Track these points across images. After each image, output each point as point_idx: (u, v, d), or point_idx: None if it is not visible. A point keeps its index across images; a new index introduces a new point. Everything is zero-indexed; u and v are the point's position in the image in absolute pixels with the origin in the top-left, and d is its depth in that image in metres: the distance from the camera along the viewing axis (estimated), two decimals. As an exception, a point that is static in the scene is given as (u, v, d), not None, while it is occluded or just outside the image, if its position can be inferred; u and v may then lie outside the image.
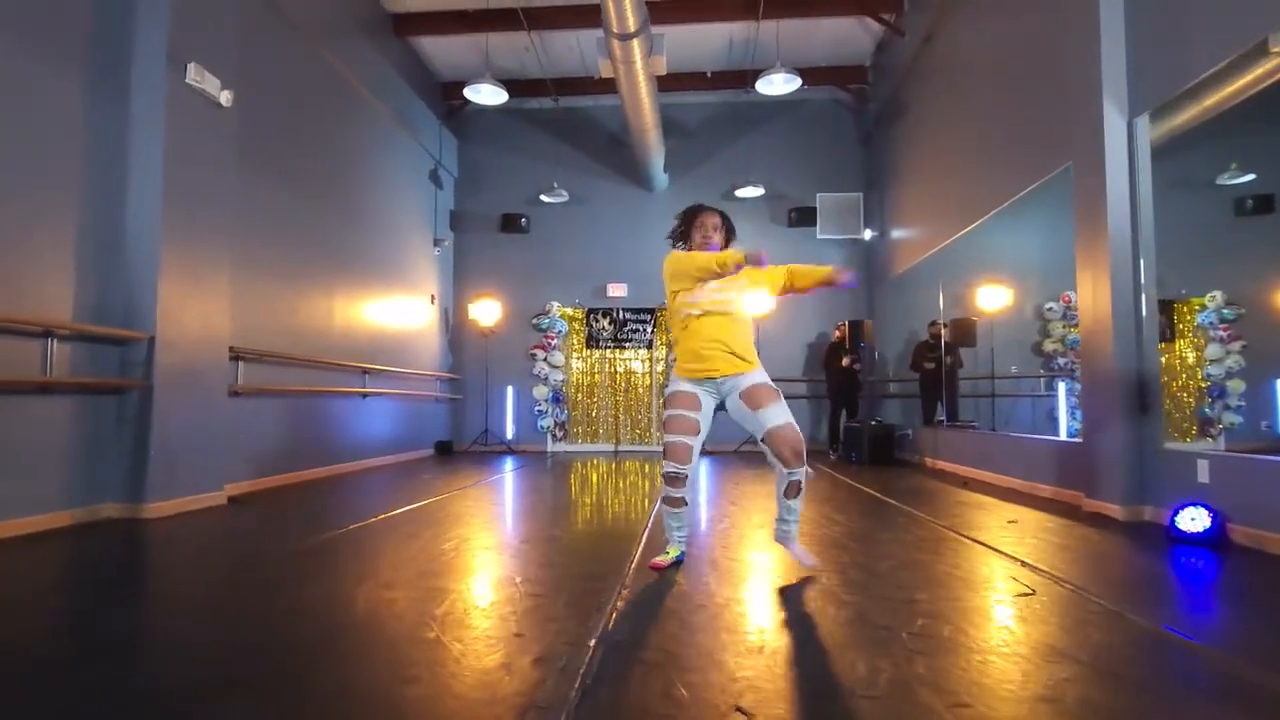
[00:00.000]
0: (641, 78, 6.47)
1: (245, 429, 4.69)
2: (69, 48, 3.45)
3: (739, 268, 2.36)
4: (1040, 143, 4.59)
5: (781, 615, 1.99)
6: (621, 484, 5.40)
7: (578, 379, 9.14)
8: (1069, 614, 1.97)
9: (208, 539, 3.21)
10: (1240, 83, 3.30)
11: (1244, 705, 1.42)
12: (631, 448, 8.90)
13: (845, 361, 7.68)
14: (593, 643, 1.71)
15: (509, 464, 7.05)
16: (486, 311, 8.88)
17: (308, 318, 5.58)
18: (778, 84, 6.81)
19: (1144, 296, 3.72)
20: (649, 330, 9.07)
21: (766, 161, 8.98)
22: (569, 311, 9.13)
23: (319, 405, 5.77)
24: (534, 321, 9.05)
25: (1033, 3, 4.73)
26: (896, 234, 7.96)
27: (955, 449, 6.15)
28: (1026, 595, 2.16)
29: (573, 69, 8.51)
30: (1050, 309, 6.15)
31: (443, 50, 8.15)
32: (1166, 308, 5.30)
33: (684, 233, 2.63)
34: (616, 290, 9.08)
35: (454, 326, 9.08)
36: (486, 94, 7.08)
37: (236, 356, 4.57)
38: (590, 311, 9.12)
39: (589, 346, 9.13)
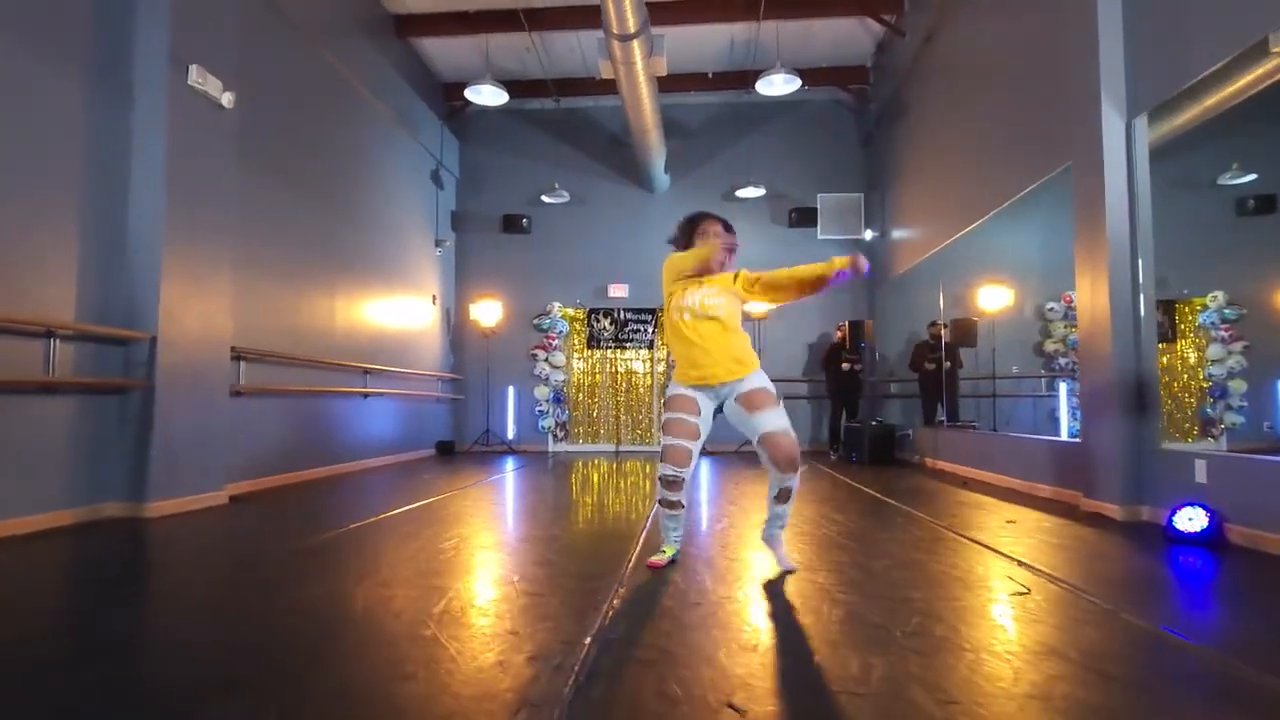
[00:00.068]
0: (642, 79, 6.49)
1: (246, 429, 4.71)
2: (72, 50, 3.48)
3: (722, 266, 2.42)
4: (1040, 143, 4.59)
5: (776, 614, 2.00)
6: (622, 484, 5.41)
7: (579, 379, 9.16)
8: (1063, 613, 1.98)
9: (208, 538, 3.23)
10: (1241, 83, 3.31)
11: (1235, 704, 1.43)
12: (632, 448, 8.91)
13: (845, 365, 7.69)
14: (588, 640, 1.73)
15: (510, 464, 7.06)
16: (488, 312, 8.90)
17: (309, 318, 5.61)
18: (778, 84, 6.82)
19: (1142, 297, 3.72)
20: (650, 330, 9.08)
21: (767, 162, 8.99)
22: (570, 312, 9.14)
23: (320, 405, 5.79)
24: (535, 322, 9.07)
25: (1033, 3, 4.73)
26: (897, 234, 7.96)
27: (955, 449, 6.15)
28: (1021, 594, 2.17)
29: (574, 70, 8.53)
30: (1051, 309, 6.15)
31: (444, 51, 8.17)
32: (1168, 308, 5.31)
33: (686, 241, 2.60)
34: (617, 291, 9.10)
35: (455, 327, 9.11)
36: (487, 95, 7.11)
37: (238, 356, 4.59)
38: (591, 312, 9.14)
39: (590, 347, 9.14)
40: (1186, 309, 5.36)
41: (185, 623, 2.00)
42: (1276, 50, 3.02)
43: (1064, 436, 5.38)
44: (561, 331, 9.02)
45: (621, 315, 9.11)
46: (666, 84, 7.57)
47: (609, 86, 7.19)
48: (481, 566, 2.60)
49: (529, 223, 9.10)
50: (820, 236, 8.91)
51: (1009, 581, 2.33)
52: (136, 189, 3.78)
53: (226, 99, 4.21)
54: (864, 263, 2.36)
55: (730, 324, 2.46)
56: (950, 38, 6.26)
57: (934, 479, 5.59)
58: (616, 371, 9.13)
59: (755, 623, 1.91)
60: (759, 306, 7.40)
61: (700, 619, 1.93)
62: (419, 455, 7.85)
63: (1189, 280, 5.23)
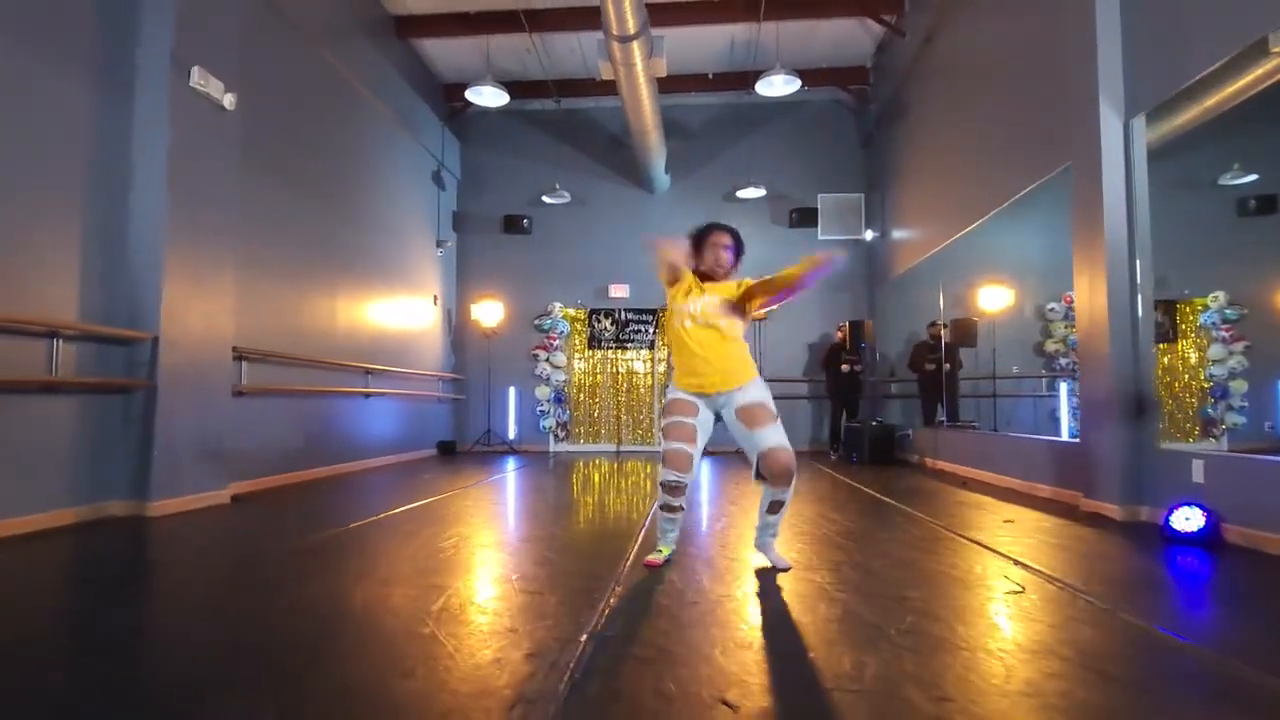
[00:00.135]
0: (642, 80, 6.50)
1: (248, 429, 4.73)
2: (75, 51, 3.50)
3: (725, 272, 2.47)
4: (1040, 143, 4.60)
5: (773, 612, 2.01)
6: (622, 484, 5.43)
7: (580, 379, 9.18)
8: (1059, 612, 1.99)
9: (210, 537, 3.25)
10: (1241, 83, 3.31)
11: (1229, 702, 1.44)
12: (633, 448, 8.93)
13: (844, 366, 7.70)
14: (584, 638, 1.74)
15: (511, 464, 7.08)
16: (489, 312, 8.92)
17: (310, 318, 5.63)
18: (777, 85, 6.83)
19: (1140, 297, 3.72)
20: (651, 331, 9.09)
21: (768, 162, 9.00)
22: (571, 312, 9.16)
23: (322, 405, 5.81)
24: (536, 322, 9.09)
25: (1033, 3, 4.74)
26: (898, 234, 7.97)
27: (955, 449, 6.16)
28: (1017, 593, 2.18)
29: (574, 71, 8.54)
30: (1052, 309, 6.16)
31: (445, 52, 8.20)
32: (1169, 308, 5.32)
33: (695, 251, 2.58)
34: (618, 291, 9.11)
35: (457, 327, 9.13)
36: (488, 96, 7.12)
37: (240, 357, 4.61)
38: (592, 312, 9.16)
39: (591, 347, 9.16)
40: (1188, 309, 5.37)
41: (186, 621, 2.01)
42: (1276, 50, 3.03)
43: (1065, 437, 5.38)
44: (562, 332, 9.04)
45: (622, 315, 9.12)
46: (667, 85, 7.58)
47: (609, 87, 7.20)
48: (481, 565, 2.62)
49: (530, 223, 9.12)
50: (821, 237, 8.91)
51: (1005, 580, 2.34)
52: (139, 190, 3.80)
53: (228, 101, 4.23)
54: (834, 256, 2.32)
55: (730, 333, 2.46)
56: (950, 38, 6.26)
57: (934, 479, 5.60)
58: (617, 372, 9.14)
59: (751, 621, 1.93)
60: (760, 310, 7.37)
61: (697, 617, 1.94)
62: (420, 455, 7.87)
63: (1190, 280, 5.24)
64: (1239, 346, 5.07)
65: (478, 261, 9.25)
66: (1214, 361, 5.13)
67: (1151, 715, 1.35)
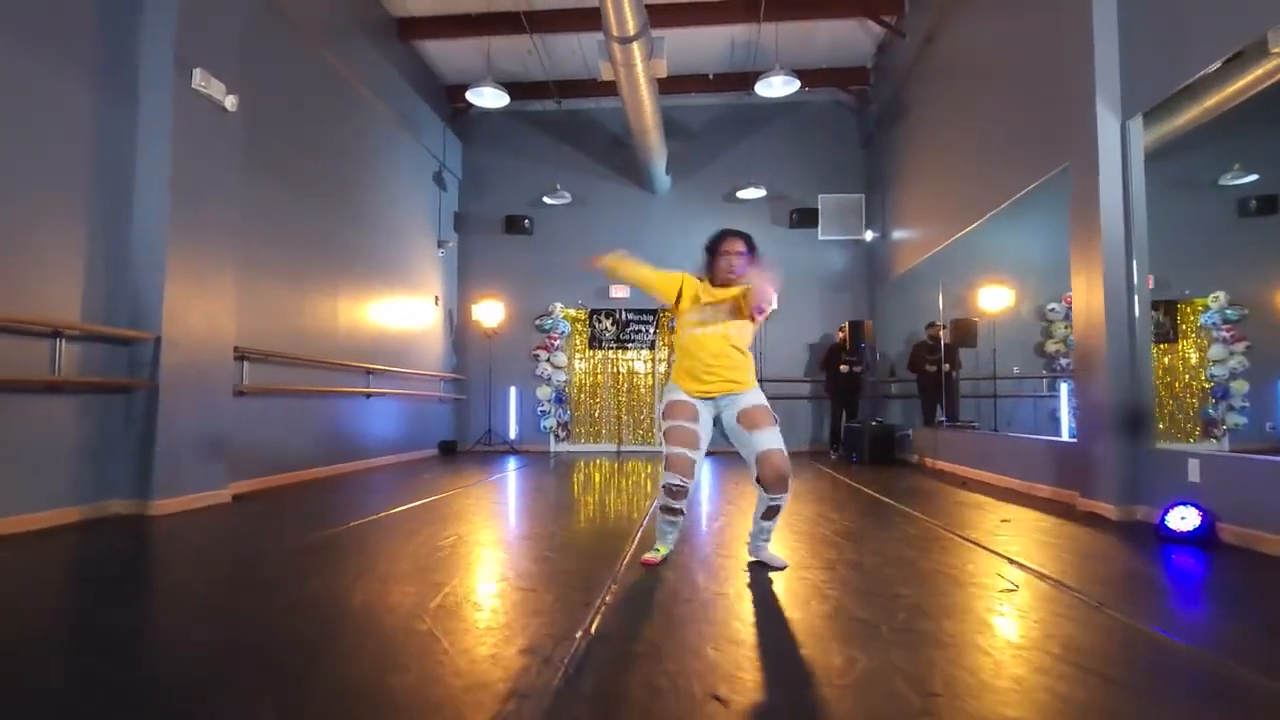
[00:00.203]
0: (642, 80, 6.52)
1: (250, 429, 4.76)
2: (78, 52, 3.53)
3: (733, 274, 2.48)
4: (1039, 143, 4.61)
5: (766, 610, 2.03)
6: (623, 484, 5.45)
7: (580, 379, 9.20)
8: (1049, 609, 2.00)
9: (211, 536, 3.27)
10: (1241, 83, 3.32)
11: (1213, 700, 1.45)
12: (634, 448, 8.94)
13: (843, 367, 7.71)
14: (578, 635, 1.76)
15: (511, 464, 7.11)
16: (490, 312, 8.95)
17: (312, 318, 5.66)
18: (776, 86, 6.84)
19: (1137, 298, 3.73)
20: (651, 331, 9.11)
21: (768, 163, 9.01)
22: (572, 312, 9.18)
23: (323, 405, 5.84)
24: (537, 322, 9.12)
25: (1032, 3, 4.75)
26: (898, 234, 7.98)
27: (955, 449, 6.17)
28: (1009, 591, 2.19)
29: (575, 71, 8.57)
30: (1053, 309, 6.16)
31: (446, 53, 8.23)
32: (1170, 308, 5.32)
33: (709, 259, 2.58)
34: (619, 291, 9.13)
35: (458, 327, 9.16)
36: (488, 97, 7.14)
37: (241, 357, 4.64)
38: (593, 312, 9.18)
39: (592, 347, 9.18)
40: (1188, 309, 5.37)
41: (186, 620, 2.03)
42: (1276, 51, 3.04)
43: (1065, 437, 5.39)
44: (563, 332, 9.06)
45: (623, 316, 9.14)
46: (667, 85, 7.60)
47: (610, 88, 7.22)
48: (479, 563, 2.64)
49: (531, 224, 9.15)
50: (821, 237, 8.93)
51: (999, 579, 2.35)
52: (141, 191, 3.84)
53: (230, 102, 4.26)
54: (766, 294, 2.30)
55: (738, 342, 2.49)
56: (950, 38, 6.28)
57: (933, 479, 5.61)
58: (618, 372, 9.16)
59: (745, 618, 1.95)
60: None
61: (691, 614, 1.96)
62: (421, 455, 7.90)
63: (1191, 281, 5.24)
64: (1240, 347, 5.08)
65: (479, 262, 9.28)
66: (1215, 362, 5.14)
67: (1136, 710, 1.37)
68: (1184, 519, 2.98)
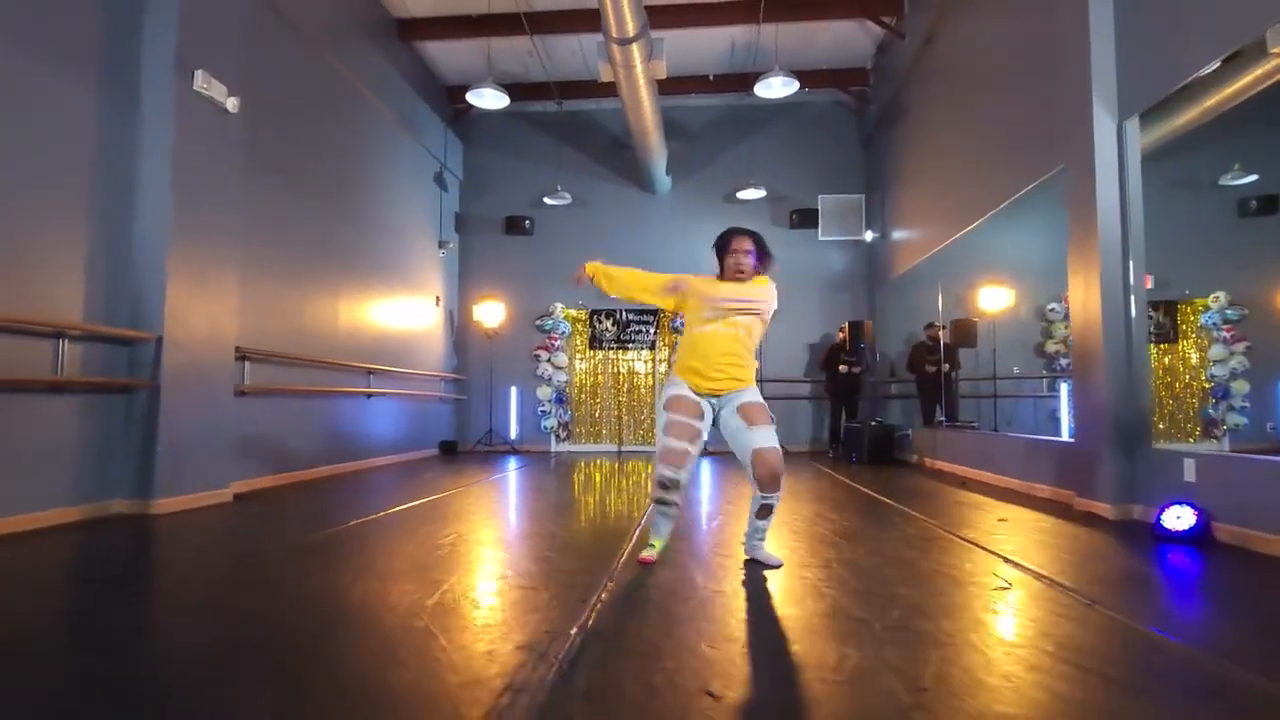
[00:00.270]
0: (642, 81, 6.54)
1: (251, 428, 4.78)
2: (80, 53, 3.55)
3: (742, 272, 2.51)
4: (1038, 143, 4.62)
5: (761, 607, 2.04)
6: (623, 484, 5.46)
7: (581, 380, 9.22)
8: (1043, 608, 2.02)
9: (212, 535, 3.29)
10: (1240, 83, 3.33)
11: (1207, 698, 1.46)
12: (634, 448, 8.96)
13: (843, 367, 7.72)
14: (574, 632, 1.77)
15: (512, 463, 7.12)
16: (491, 313, 8.97)
17: (313, 319, 5.68)
18: (776, 87, 6.85)
19: (1133, 298, 3.74)
20: (652, 331, 9.13)
21: (768, 164, 9.02)
22: (572, 313, 9.20)
23: (324, 405, 5.86)
24: (537, 323, 9.14)
25: (1031, 4, 4.76)
26: (898, 235, 7.99)
27: (954, 449, 6.17)
28: (1004, 590, 2.20)
29: (575, 72, 8.59)
30: (1053, 309, 6.17)
31: (447, 54, 8.25)
32: (1170, 308, 5.33)
33: (719, 259, 2.60)
34: (619, 291, 9.13)
35: (459, 328, 9.18)
36: (489, 98, 7.16)
37: (242, 357, 4.66)
38: (594, 313, 9.20)
39: (592, 347, 9.20)
40: (1188, 309, 5.37)
41: (186, 619, 2.05)
42: (1275, 51, 3.05)
43: (1065, 437, 5.39)
44: (564, 332, 9.08)
45: (623, 316, 9.16)
46: (667, 86, 7.62)
47: (610, 89, 7.24)
48: (477, 562, 2.65)
49: (531, 224, 9.17)
50: (821, 237, 8.95)
51: (994, 578, 2.36)
52: (143, 191, 3.86)
53: (231, 104, 4.28)
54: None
55: (750, 341, 2.51)
56: (950, 39, 6.29)
57: (932, 479, 5.61)
58: (618, 372, 9.18)
59: (740, 616, 1.96)
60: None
61: (686, 612, 1.97)
62: (422, 455, 7.92)
63: (1191, 281, 5.25)
64: (1240, 347, 5.08)
65: (480, 262, 9.31)
66: (1215, 362, 5.14)
67: (1131, 709, 1.38)
68: (1179, 518, 2.99)
